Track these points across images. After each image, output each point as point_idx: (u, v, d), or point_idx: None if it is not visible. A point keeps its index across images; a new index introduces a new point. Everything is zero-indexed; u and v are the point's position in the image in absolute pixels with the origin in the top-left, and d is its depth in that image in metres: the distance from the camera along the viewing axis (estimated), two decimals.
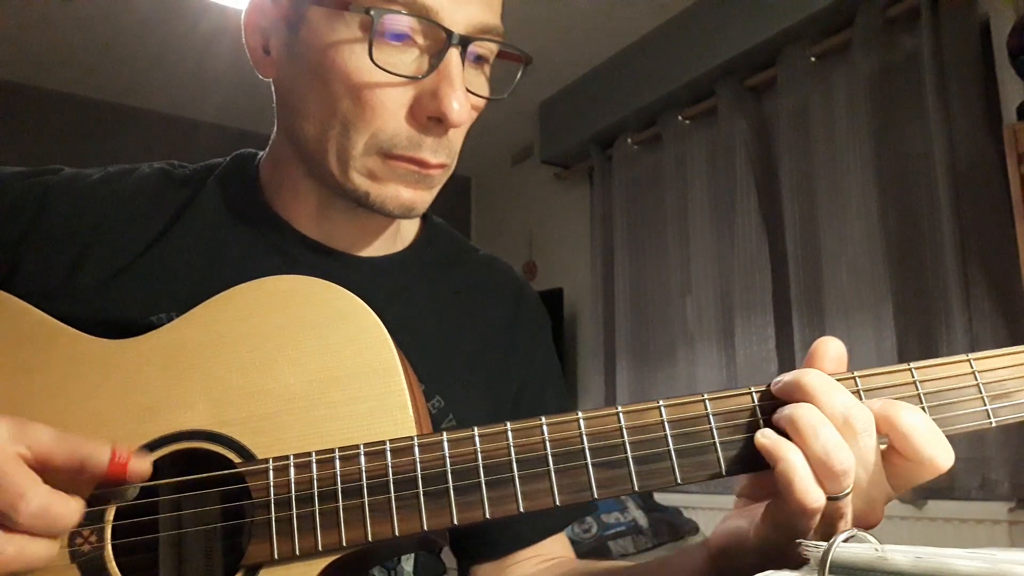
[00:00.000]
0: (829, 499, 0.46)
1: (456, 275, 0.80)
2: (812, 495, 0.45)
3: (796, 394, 0.48)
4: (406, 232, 0.79)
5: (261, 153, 0.77)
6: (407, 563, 0.72)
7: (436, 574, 0.76)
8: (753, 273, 2.72)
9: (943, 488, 2.20)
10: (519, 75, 0.68)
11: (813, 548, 0.38)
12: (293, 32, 0.65)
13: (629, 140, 3.33)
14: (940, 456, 0.46)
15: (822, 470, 0.45)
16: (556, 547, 0.78)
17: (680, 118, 3.11)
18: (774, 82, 2.76)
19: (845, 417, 0.46)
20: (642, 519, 2.59)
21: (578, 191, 3.77)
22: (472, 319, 0.78)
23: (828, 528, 0.47)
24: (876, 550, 0.35)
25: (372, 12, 0.59)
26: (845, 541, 0.37)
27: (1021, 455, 2.04)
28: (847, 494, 0.46)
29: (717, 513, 2.65)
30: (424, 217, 0.82)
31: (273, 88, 0.71)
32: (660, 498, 2.77)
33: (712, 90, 2.95)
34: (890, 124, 2.42)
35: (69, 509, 0.46)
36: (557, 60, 3.31)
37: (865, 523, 0.47)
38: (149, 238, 0.69)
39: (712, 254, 2.92)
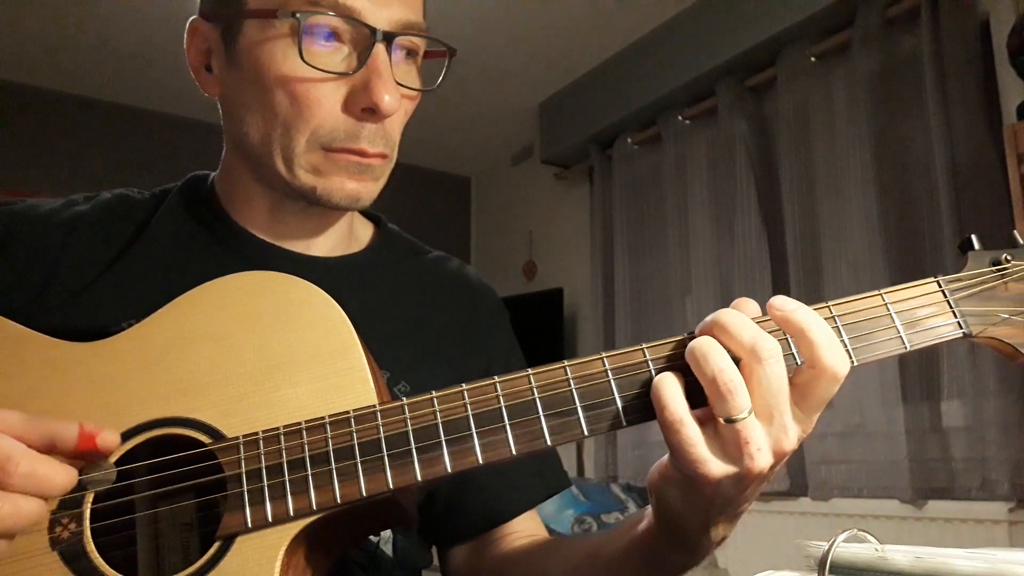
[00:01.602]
0: (728, 421, 0.49)
1: (411, 273, 0.85)
2: (667, 411, 0.50)
3: (712, 330, 0.52)
4: (361, 235, 0.84)
5: (213, 173, 0.83)
6: (386, 547, 0.73)
7: (419, 563, 0.77)
8: (753, 273, 2.72)
9: (943, 488, 2.20)
10: (445, 67, 0.74)
11: (814, 548, 0.38)
12: (230, 46, 0.71)
13: (629, 140, 3.33)
14: (839, 364, 0.50)
15: (713, 392, 0.49)
16: (530, 525, 0.81)
17: (680, 118, 3.11)
18: (774, 82, 2.76)
19: (752, 345, 0.50)
20: None
21: (578, 191, 3.77)
22: (430, 312, 0.82)
23: (735, 451, 0.49)
24: (876, 550, 0.35)
25: (298, 15, 0.65)
26: (845, 541, 0.37)
27: (1021, 455, 2.03)
28: (744, 417, 0.49)
29: None
30: (378, 223, 0.87)
31: (219, 105, 0.76)
32: None
33: (712, 90, 2.95)
34: (890, 124, 2.42)
35: (56, 471, 0.49)
36: (557, 60, 3.32)
37: (779, 449, 0.50)
38: (113, 253, 0.74)
39: (712, 254, 2.92)
